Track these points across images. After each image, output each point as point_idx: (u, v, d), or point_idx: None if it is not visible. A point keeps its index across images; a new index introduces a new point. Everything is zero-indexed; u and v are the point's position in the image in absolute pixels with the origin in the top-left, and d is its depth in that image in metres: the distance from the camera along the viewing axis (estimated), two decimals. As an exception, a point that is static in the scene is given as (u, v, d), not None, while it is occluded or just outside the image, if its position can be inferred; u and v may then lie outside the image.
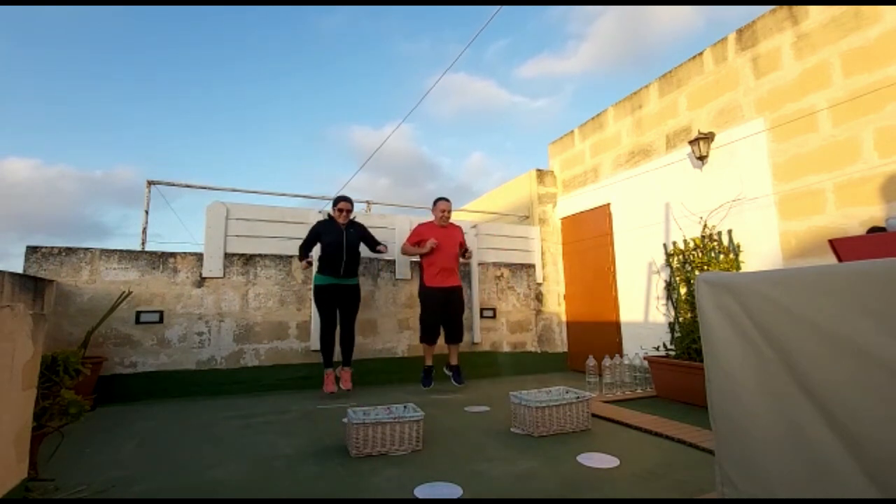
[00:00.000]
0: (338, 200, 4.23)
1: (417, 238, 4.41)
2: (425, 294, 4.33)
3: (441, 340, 4.42)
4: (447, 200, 4.50)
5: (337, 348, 4.16)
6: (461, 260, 4.47)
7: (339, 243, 4.07)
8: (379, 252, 4.31)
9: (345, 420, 2.61)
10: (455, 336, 4.38)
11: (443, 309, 4.28)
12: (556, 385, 3.31)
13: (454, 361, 4.41)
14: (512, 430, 2.90)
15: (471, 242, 5.34)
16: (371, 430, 2.42)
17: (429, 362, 4.38)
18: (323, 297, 4.06)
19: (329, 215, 4.28)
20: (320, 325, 4.13)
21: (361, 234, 4.26)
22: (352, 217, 4.28)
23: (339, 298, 4.10)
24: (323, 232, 4.11)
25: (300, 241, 4.19)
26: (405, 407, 2.71)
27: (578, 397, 2.94)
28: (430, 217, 4.60)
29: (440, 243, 4.30)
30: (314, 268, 4.27)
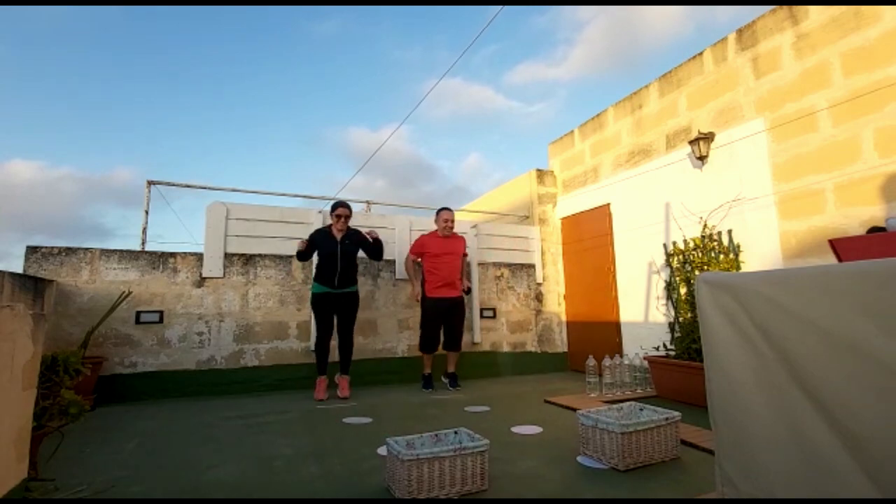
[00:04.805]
0: (336, 206, 4.14)
1: (419, 249, 4.43)
2: (427, 305, 4.36)
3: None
4: (450, 210, 4.47)
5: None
6: (463, 288, 4.49)
7: (333, 254, 4.02)
8: (376, 248, 4.15)
9: (382, 451, 2.26)
10: (454, 344, 4.45)
11: (444, 318, 4.36)
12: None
13: (451, 368, 4.50)
14: (580, 459, 2.31)
15: (471, 242, 5.34)
16: (427, 468, 1.86)
17: (428, 370, 4.43)
18: (319, 305, 4.05)
19: (328, 227, 4.18)
20: (316, 332, 4.12)
21: (358, 242, 4.18)
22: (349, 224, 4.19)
23: (335, 306, 4.07)
24: (319, 242, 4.06)
25: (300, 242, 4.18)
26: (456, 432, 2.17)
27: (668, 419, 2.30)
28: (431, 220, 4.58)
29: (442, 255, 4.35)
30: (312, 275, 4.29)
